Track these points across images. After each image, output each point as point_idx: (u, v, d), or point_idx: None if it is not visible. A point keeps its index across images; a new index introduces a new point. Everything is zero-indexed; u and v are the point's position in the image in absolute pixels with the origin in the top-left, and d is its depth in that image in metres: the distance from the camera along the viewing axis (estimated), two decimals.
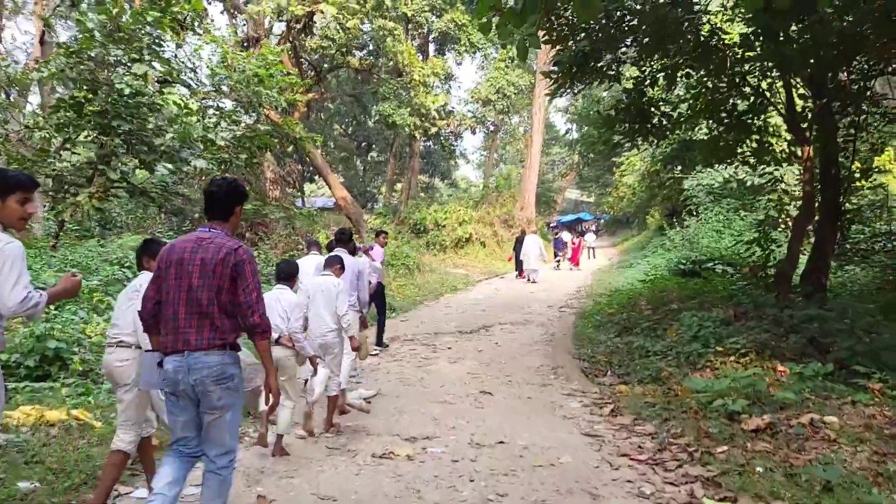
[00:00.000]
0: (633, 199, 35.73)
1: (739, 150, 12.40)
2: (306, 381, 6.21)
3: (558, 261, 28.31)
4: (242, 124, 14.93)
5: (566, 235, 29.97)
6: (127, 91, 11.66)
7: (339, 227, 9.43)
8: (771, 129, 13.51)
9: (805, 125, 11.24)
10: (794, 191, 20.70)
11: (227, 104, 19.45)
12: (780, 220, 21.46)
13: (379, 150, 55.59)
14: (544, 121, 39.84)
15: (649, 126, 11.73)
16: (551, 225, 56.86)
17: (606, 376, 8.52)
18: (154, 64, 12.71)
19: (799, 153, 13.19)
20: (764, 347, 8.22)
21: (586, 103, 51.83)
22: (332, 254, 6.85)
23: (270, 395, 3.67)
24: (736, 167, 20.18)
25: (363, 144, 56.19)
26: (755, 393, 6.11)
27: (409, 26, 28.57)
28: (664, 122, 11.77)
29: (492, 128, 36.73)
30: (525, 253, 22.72)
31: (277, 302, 5.52)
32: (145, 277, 4.20)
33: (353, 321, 6.78)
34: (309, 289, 6.27)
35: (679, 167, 23.63)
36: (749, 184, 19.74)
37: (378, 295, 10.15)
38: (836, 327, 8.28)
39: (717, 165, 20.50)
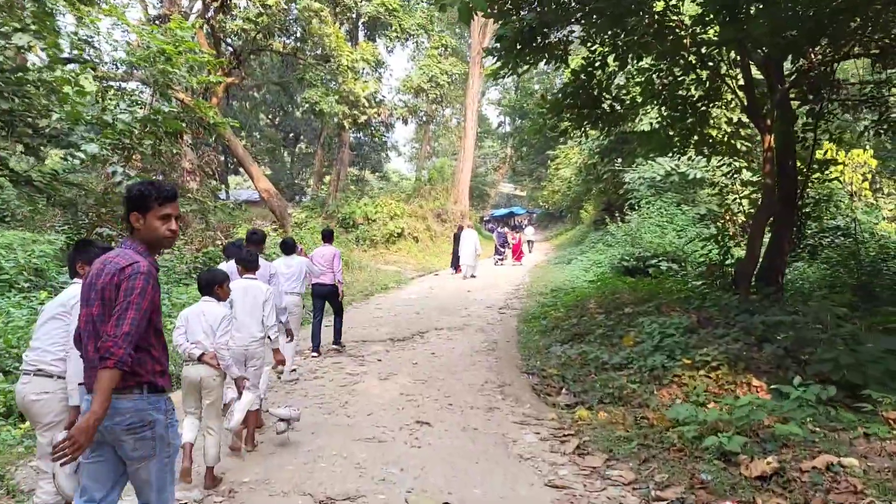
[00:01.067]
0: (569, 192, 35.07)
1: (694, 140, 11.50)
2: (226, 405, 5.32)
3: (503, 256, 27.44)
4: (148, 106, 13.18)
5: (496, 232, 29.23)
6: (8, 66, 9.93)
7: (256, 225, 8.56)
8: (726, 118, 12.75)
9: (765, 112, 10.37)
10: (736, 185, 20.24)
11: (134, 86, 17.53)
12: (721, 215, 21.04)
13: (307, 141, 53.73)
14: (478, 112, 38.81)
15: (599, 112, 10.70)
16: (485, 219, 56.20)
17: (561, 395, 7.39)
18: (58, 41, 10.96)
19: (750, 145, 12.53)
20: (737, 359, 7.26)
21: (520, 96, 51.33)
22: (244, 256, 6.07)
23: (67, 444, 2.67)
24: (679, 160, 19.54)
25: (291, 135, 54.21)
26: (751, 425, 5.06)
27: (338, 10, 27.02)
28: (616, 108, 10.75)
29: (424, 118, 35.41)
30: (462, 248, 21.96)
31: (201, 316, 4.97)
32: (76, 289, 3.75)
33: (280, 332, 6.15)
34: (232, 292, 5.48)
35: (619, 160, 23.01)
36: (691, 177, 19.09)
37: (334, 296, 9.99)
38: (812, 335, 7.38)
39: (658, 158, 19.85)
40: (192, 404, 4.94)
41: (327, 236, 10.38)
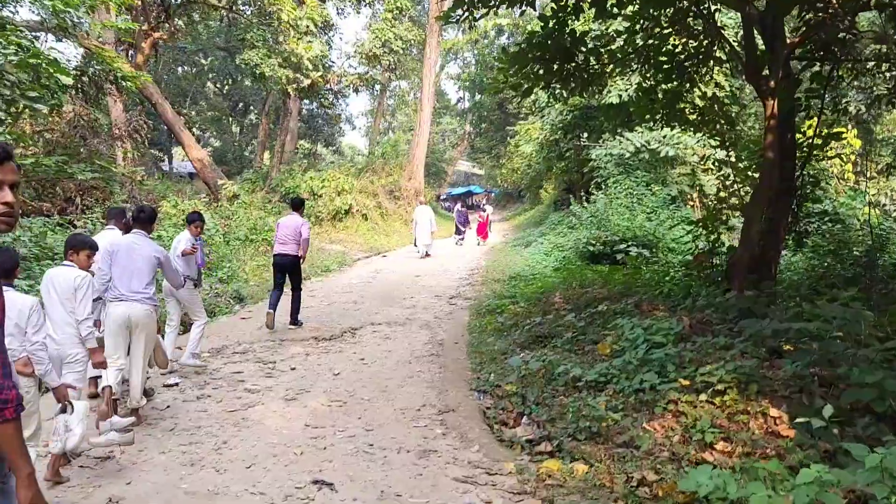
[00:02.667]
0: (528, 170, 33.35)
1: (680, 107, 9.79)
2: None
3: (463, 236, 25.84)
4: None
5: (456, 209, 27.63)
6: None
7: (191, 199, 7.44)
8: (715, 83, 11.10)
9: (765, 73, 8.68)
10: (707, 164, 18.68)
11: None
12: (690, 196, 19.52)
13: (257, 111, 51.00)
14: (435, 86, 36.77)
15: (571, 67, 8.87)
16: (441, 197, 54.35)
17: (521, 426, 5.61)
18: None
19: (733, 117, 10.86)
20: (747, 380, 5.59)
21: (480, 69, 49.30)
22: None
23: None
24: (650, 134, 17.93)
25: (240, 105, 51.44)
26: None
27: None
28: (591, 64, 8.92)
29: (378, 89, 33.24)
30: (416, 226, 20.73)
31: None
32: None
33: (93, 330, 4.85)
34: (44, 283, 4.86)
35: (585, 135, 21.32)
36: (663, 154, 17.49)
37: (296, 268, 9.66)
38: (837, 348, 5.74)
39: (627, 133, 18.23)
40: None
41: (296, 205, 10.10)
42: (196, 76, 44.91)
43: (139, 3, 20.54)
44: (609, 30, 10.39)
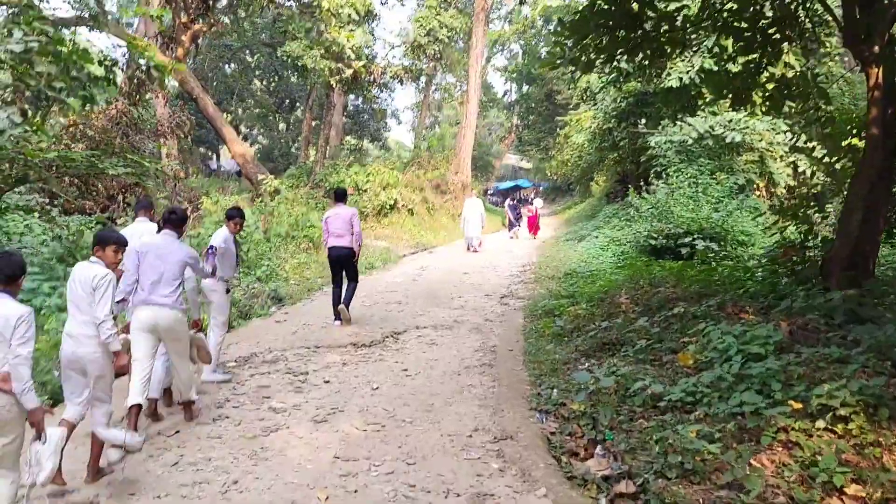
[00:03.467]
0: (579, 162, 32.05)
1: (762, 81, 8.61)
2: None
3: (515, 230, 25.57)
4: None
5: (507, 203, 26.90)
6: None
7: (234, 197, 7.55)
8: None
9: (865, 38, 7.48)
10: (777, 150, 17.30)
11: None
12: (758, 186, 18.12)
13: (303, 107, 50.67)
14: (482, 76, 35.71)
15: (638, 36, 7.80)
16: (489, 192, 53.16)
17: (594, 458, 4.62)
18: None
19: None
20: (876, 403, 4.52)
21: (528, 60, 48.05)
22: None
23: None
24: (714, 119, 16.65)
25: (286, 102, 51.15)
26: None
27: None
28: (662, 29, 7.82)
29: (423, 80, 32.36)
30: (465, 218, 20.32)
31: None
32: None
33: (114, 332, 4.38)
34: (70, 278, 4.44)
35: (643, 121, 20.08)
36: (729, 140, 16.17)
37: (351, 260, 9.37)
38: None
39: (690, 118, 16.95)
40: None
41: (340, 195, 9.80)
42: (242, 73, 44.67)
43: None
44: None
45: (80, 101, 13.34)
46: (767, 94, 8.60)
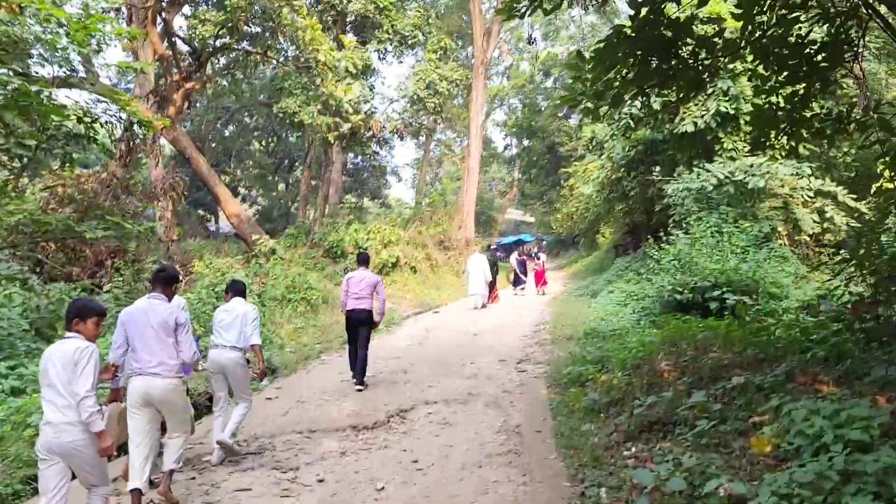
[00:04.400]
0: (586, 214, 31.18)
1: (810, 114, 7.63)
2: None
3: (523, 286, 24.17)
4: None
5: (514, 257, 25.94)
6: None
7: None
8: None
9: None
10: (800, 196, 16.35)
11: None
12: (780, 234, 17.09)
13: (302, 166, 50.27)
14: (482, 131, 35.20)
15: (673, 65, 6.86)
16: (492, 247, 52.20)
17: None
18: None
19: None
20: None
21: (528, 113, 47.79)
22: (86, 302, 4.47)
23: None
24: (732, 165, 15.76)
25: (286, 162, 50.75)
26: None
27: (320, 7, 23.52)
28: (699, 57, 6.87)
29: (423, 134, 31.74)
30: (470, 275, 19.49)
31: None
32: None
33: (101, 411, 4.17)
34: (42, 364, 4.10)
35: (657, 168, 19.21)
36: (751, 186, 15.22)
37: (369, 323, 9.37)
38: None
39: (709, 165, 16.10)
40: None
41: (364, 259, 10.00)
42: (240, 134, 44.27)
43: (169, 52, 19.45)
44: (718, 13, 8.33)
45: (60, 160, 12.50)
46: (816, 128, 7.60)
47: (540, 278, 25.67)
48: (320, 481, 5.30)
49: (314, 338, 13.78)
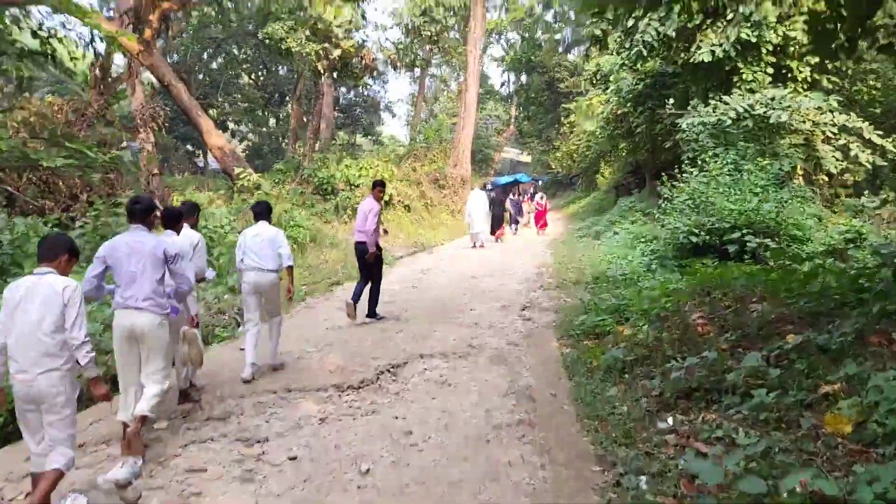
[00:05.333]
0: (587, 152, 29.93)
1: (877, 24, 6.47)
2: None
3: (518, 225, 23.73)
4: None
5: (509, 200, 25.00)
6: None
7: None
8: None
9: None
10: (822, 132, 15.21)
11: None
12: (802, 173, 16.03)
13: (293, 101, 48.48)
14: (480, 60, 33.54)
15: None
16: (487, 187, 50.89)
17: None
18: None
19: None
20: None
21: (528, 46, 45.91)
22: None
23: None
24: (752, 99, 14.55)
25: (276, 96, 48.89)
26: None
27: None
28: None
29: (418, 68, 30.14)
30: (469, 212, 18.87)
31: None
32: None
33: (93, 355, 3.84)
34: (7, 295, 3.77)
35: (670, 101, 17.96)
36: (773, 120, 14.05)
37: (365, 263, 8.98)
38: None
39: (727, 97, 14.89)
40: None
41: (374, 186, 9.29)
42: (227, 66, 42.34)
43: None
44: None
45: (16, 83, 11.20)
46: (881, 43, 6.46)
47: (540, 219, 24.67)
48: (292, 459, 4.34)
49: (300, 279, 12.81)
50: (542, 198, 25.89)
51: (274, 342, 6.65)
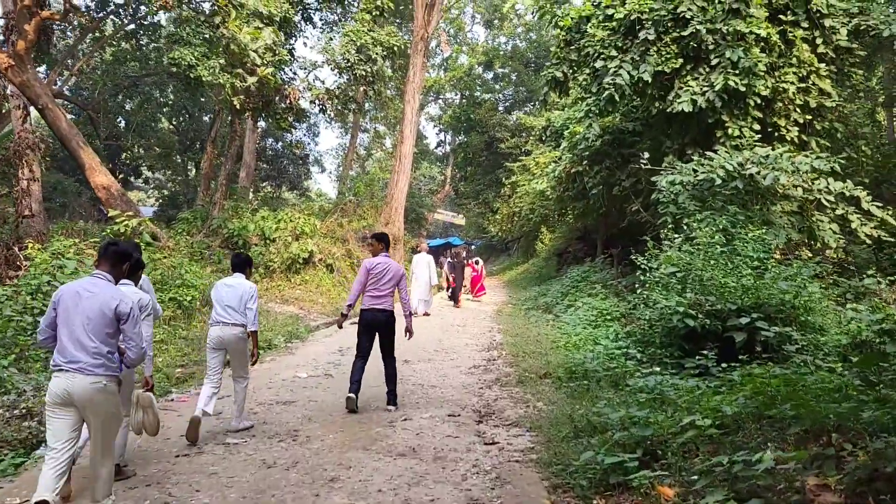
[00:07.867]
0: (531, 215, 27.64)
1: None
2: None
3: (451, 292, 20.36)
4: None
5: (451, 260, 22.19)
6: None
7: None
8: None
9: None
10: (823, 198, 13.06)
11: None
12: (800, 244, 13.73)
13: (207, 139, 45.20)
14: (418, 113, 31.22)
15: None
16: (417, 249, 48.20)
17: None
18: None
19: None
20: None
21: (467, 104, 44.16)
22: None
23: None
24: (744, 155, 12.32)
25: (197, 143, 45.50)
26: None
27: None
28: None
29: (351, 111, 27.54)
30: (415, 278, 16.99)
31: None
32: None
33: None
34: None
35: (646, 155, 15.67)
36: (768, 182, 11.78)
37: (391, 329, 7.49)
38: None
39: (711, 154, 12.64)
40: None
41: (382, 238, 7.78)
42: (142, 107, 38.74)
43: None
44: None
45: None
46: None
47: (476, 284, 22.06)
48: None
49: (177, 356, 9.62)
50: (477, 262, 23.31)
51: (238, 404, 6.25)
